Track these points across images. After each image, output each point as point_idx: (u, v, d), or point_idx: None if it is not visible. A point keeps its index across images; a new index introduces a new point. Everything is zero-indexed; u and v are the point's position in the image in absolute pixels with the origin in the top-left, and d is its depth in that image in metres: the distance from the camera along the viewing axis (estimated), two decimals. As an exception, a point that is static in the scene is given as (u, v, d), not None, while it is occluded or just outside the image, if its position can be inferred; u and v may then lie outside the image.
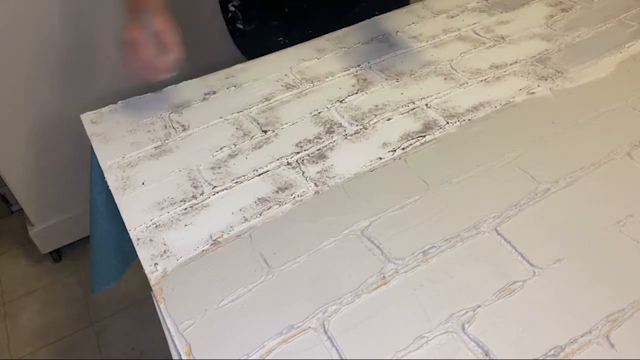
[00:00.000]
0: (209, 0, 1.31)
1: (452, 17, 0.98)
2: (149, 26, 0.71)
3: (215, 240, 0.60)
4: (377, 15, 0.99)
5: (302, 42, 0.93)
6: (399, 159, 0.69)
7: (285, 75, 0.86)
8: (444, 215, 0.61)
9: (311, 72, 0.86)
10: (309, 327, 0.51)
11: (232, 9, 0.80)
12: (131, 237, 0.61)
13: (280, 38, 0.98)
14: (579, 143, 0.69)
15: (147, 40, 0.70)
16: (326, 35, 0.95)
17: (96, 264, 0.89)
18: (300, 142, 0.73)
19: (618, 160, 0.66)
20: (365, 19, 0.97)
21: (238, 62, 0.92)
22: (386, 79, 0.83)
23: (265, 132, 0.75)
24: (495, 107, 0.76)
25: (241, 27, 0.90)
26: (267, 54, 0.91)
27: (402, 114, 0.76)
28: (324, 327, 0.51)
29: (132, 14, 0.72)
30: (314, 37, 0.93)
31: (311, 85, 0.84)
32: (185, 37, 1.44)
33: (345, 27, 0.96)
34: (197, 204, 0.65)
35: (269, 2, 0.94)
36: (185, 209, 0.64)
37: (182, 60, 0.73)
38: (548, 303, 0.51)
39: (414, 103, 0.78)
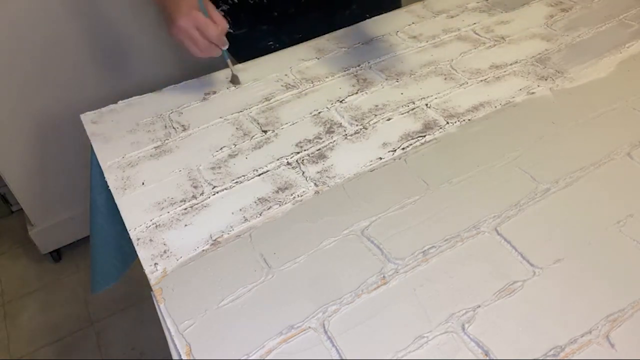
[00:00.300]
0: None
1: (452, 17, 0.98)
2: (197, 10, 0.75)
3: (215, 240, 0.60)
4: (367, 18, 0.99)
5: (292, 45, 0.93)
6: (399, 159, 0.69)
7: (285, 75, 0.86)
8: (444, 215, 0.61)
9: (311, 72, 0.86)
10: (309, 327, 0.51)
11: (222, 13, 0.80)
12: (131, 237, 0.61)
13: (271, 42, 0.99)
14: (579, 143, 0.69)
15: (206, 21, 0.74)
16: (326, 35, 0.95)
17: (96, 264, 0.89)
18: (300, 142, 0.73)
19: (618, 160, 0.66)
20: (355, 22, 0.97)
21: (237, 62, 0.92)
22: (386, 79, 0.83)
23: (265, 132, 0.75)
24: (495, 107, 0.76)
25: (231, 31, 0.91)
26: (257, 57, 0.91)
27: (402, 114, 0.76)
28: (324, 327, 0.51)
29: (178, 7, 0.75)
30: (304, 40, 0.94)
31: (311, 85, 0.84)
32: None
33: (334, 30, 0.96)
34: (197, 204, 0.65)
35: (257, 7, 0.94)
36: (185, 209, 0.64)
37: (228, 26, 0.78)
38: (548, 303, 0.51)
39: (414, 103, 0.78)
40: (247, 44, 0.98)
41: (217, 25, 0.76)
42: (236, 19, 0.96)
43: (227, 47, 0.79)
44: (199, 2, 0.76)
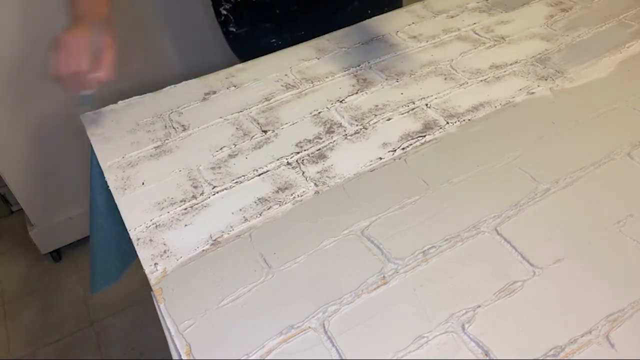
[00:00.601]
0: (208, 1, 1.31)
1: (452, 17, 0.98)
2: (89, 37, 0.67)
3: (215, 240, 0.60)
4: (369, 15, 0.99)
5: (294, 44, 0.93)
6: (399, 159, 0.69)
7: (285, 75, 0.86)
8: (444, 215, 0.61)
9: (311, 72, 0.86)
10: (309, 327, 0.51)
11: (224, 12, 0.79)
12: (131, 237, 0.61)
13: (273, 40, 0.99)
14: (579, 143, 0.69)
15: (84, 51, 0.66)
16: (326, 35, 0.95)
17: (96, 264, 0.89)
18: (300, 142, 0.73)
19: (618, 160, 0.66)
20: (357, 20, 0.97)
21: (238, 62, 0.92)
22: (386, 79, 0.83)
23: (265, 132, 0.75)
24: (495, 107, 0.76)
25: (234, 30, 0.90)
26: (260, 56, 0.91)
27: (402, 114, 0.76)
28: (324, 327, 0.51)
29: (75, 20, 0.69)
30: (307, 39, 0.94)
31: (311, 85, 0.84)
32: (186, 37, 1.44)
33: (337, 28, 0.96)
34: (197, 204, 0.65)
35: (259, 5, 0.94)
36: (185, 209, 0.64)
37: (108, 81, 0.69)
38: (548, 303, 0.51)
39: (414, 103, 0.78)
40: (249, 42, 0.98)
41: (99, 70, 0.67)
42: (238, 17, 0.96)
43: (89, 93, 0.70)
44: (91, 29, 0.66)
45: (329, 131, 0.74)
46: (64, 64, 0.67)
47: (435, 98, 0.79)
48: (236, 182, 0.68)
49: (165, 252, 0.59)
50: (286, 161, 0.70)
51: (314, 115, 0.78)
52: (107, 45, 0.68)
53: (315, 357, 0.49)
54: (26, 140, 1.31)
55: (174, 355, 0.51)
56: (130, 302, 1.46)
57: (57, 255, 1.58)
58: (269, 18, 0.98)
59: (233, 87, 0.85)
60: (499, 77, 0.82)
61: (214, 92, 0.84)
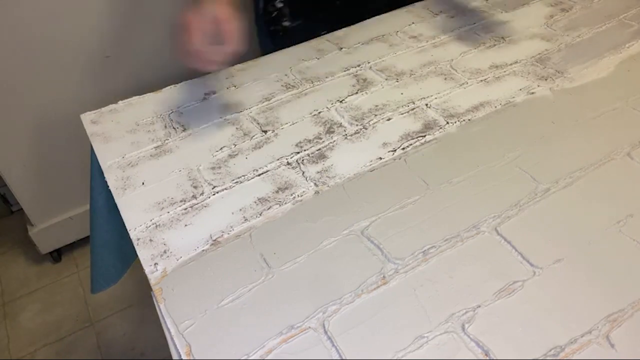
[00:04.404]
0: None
1: (452, 17, 0.98)
2: (208, 14, 0.66)
3: (215, 240, 0.60)
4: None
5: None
6: (399, 159, 0.69)
7: (285, 75, 0.86)
8: (444, 215, 0.61)
9: (311, 72, 0.86)
10: (309, 327, 0.51)
11: (280, 5, 0.78)
12: (131, 237, 0.61)
13: (325, 32, 0.97)
14: (579, 143, 0.69)
15: (202, 28, 0.65)
16: (326, 36, 0.95)
17: (96, 264, 0.89)
18: (300, 142, 0.73)
19: (618, 160, 0.66)
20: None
21: (238, 62, 0.92)
22: (386, 79, 0.83)
23: (265, 132, 0.75)
24: (495, 107, 0.76)
25: (287, 24, 0.88)
26: None
27: (402, 114, 0.76)
28: (324, 327, 0.51)
29: None
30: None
31: (311, 85, 0.84)
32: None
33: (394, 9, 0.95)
34: (197, 204, 0.65)
35: None
36: (185, 209, 0.64)
37: (241, 52, 0.68)
38: (548, 303, 0.51)
39: (414, 103, 0.78)
40: (301, 35, 0.96)
41: (225, 44, 0.65)
42: (294, 10, 0.93)
43: (218, 68, 0.69)
44: None
45: (329, 131, 0.74)
46: (185, 45, 0.66)
47: (435, 98, 0.79)
48: (236, 182, 0.68)
49: (165, 252, 0.59)
50: (286, 161, 0.70)
51: (314, 115, 0.78)
52: (226, 18, 0.66)
53: (315, 357, 0.49)
54: (26, 140, 1.31)
55: (174, 355, 0.51)
56: (130, 302, 1.46)
57: (57, 255, 1.58)
58: (326, 8, 0.94)
59: (233, 87, 0.85)
60: (499, 77, 0.82)
61: (214, 92, 0.84)
